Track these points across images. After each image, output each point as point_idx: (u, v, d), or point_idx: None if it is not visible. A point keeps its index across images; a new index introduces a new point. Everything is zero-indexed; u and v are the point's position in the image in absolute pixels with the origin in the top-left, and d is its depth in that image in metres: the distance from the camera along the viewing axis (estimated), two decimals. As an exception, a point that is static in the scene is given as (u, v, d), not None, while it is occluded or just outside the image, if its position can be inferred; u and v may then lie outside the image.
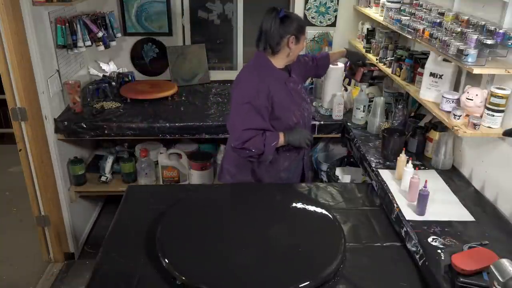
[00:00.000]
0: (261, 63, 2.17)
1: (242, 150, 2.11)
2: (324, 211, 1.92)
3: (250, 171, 2.29)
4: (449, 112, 2.02)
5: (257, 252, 1.67)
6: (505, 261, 1.29)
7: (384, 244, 1.81)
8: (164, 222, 1.80)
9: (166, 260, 1.58)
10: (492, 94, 1.85)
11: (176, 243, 1.69)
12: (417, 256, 1.67)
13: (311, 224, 1.88)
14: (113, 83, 3.27)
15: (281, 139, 2.16)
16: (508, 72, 1.76)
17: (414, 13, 2.39)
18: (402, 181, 2.05)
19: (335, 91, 2.91)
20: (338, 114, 2.88)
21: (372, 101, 2.76)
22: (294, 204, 2.03)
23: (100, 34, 3.03)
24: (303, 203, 2.03)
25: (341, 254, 1.65)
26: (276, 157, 2.24)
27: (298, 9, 3.52)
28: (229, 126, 2.21)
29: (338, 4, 3.53)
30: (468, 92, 1.96)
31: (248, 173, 2.30)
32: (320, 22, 3.57)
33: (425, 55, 2.38)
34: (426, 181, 1.84)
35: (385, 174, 2.21)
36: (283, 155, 2.28)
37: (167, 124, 2.84)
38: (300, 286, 1.49)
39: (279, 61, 2.18)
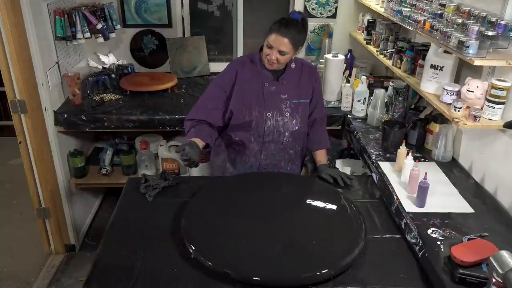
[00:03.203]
0: (251, 56, 2.21)
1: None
2: (345, 202, 1.96)
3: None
4: (450, 104, 2.02)
5: (277, 238, 1.72)
6: (504, 253, 1.30)
7: (384, 236, 1.82)
8: (188, 211, 1.84)
9: (192, 247, 1.63)
10: (493, 86, 1.84)
11: (199, 231, 1.73)
12: (417, 248, 1.68)
13: (332, 214, 1.91)
14: (113, 75, 3.26)
15: (189, 137, 2.13)
16: (509, 64, 1.76)
17: (415, 5, 2.37)
18: (402, 173, 2.05)
19: (335, 83, 2.91)
20: (346, 105, 2.90)
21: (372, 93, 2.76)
22: (313, 194, 2.05)
23: (99, 26, 3.02)
24: (323, 194, 2.06)
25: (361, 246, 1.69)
26: (226, 141, 2.30)
27: (299, 0, 3.50)
28: None
29: (338, -5, 3.51)
30: (468, 84, 1.95)
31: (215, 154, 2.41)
32: (321, 13, 3.55)
33: (426, 46, 2.37)
34: (426, 173, 1.84)
35: (385, 166, 2.21)
36: (233, 147, 2.29)
37: (167, 116, 2.84)
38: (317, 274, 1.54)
39: None
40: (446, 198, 1.93)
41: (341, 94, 2.91)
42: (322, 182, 2.21)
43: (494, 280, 1.31)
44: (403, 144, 2.15)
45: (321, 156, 2.33)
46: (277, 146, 2.25)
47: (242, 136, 2.23)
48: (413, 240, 1.71)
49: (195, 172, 3.07)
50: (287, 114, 2.20)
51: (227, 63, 2.28)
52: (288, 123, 2.21)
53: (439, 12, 2.12)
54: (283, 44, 2.02)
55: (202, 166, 3.04)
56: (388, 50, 2.77)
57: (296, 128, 2.23)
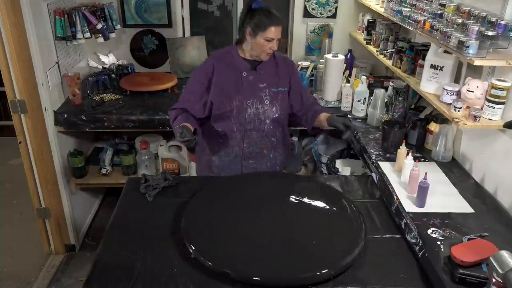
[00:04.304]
0: (228, 49, 2.27)
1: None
2: (345, 202, 1.96)
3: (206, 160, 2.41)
4: (450, 104, 2.01)
5: (276, 238, 1.72)
6: (504, 253, 1.29)
7: (384, 236, 1.82)
8: (188, 212, 1.85)
9: (192, 247, 1.63)
10: (493, 86, 1.84)
11: (199, 231, 1.74)
12: (417, 248, 1.68)
13: (332, 213, 1.91)
14: (113, 75, 3.26)
15: (176, 127, 2.16)
16: (509, 63, 1.76)
17: (415, 5, 2.37)
18: (402, 173, 2.05)
19: (335, 83, 2.91)
20: (346, 105, 2.90)
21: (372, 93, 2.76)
22: (313, 194, 2.05)
23: (99, 26, 3.02)
24: (323, 194, 2.06)
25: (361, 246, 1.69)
26: (208, 134, 2.33)
27: (299, 0, 3.50)
28: None
29: (338, -5, 3.51)
30: (468, 84, 1.95)
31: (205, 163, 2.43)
32: (321, 13, 3.55)
33: (426, 46, 2.37)
34: (426, 173, 1.84)
35: (385, 166, 2.21)
36: (216, 139, 2.31)
37: (167, 116, 2.82)
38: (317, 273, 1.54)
39: (244, 52, 2.22)
40: (446, 198, 1.93)
41: (341, 94, 2.91)
42: (322, 182, 2.21)
43: (494, 280, 1.31)
44: (403, 144, 2.15)
45: (324, 116, 2.31)
46: (259, 134, 2.30)
47: (224, 127, 2.26)
48: (413, 240, 1.71)
49: (195, 172, 3.07)
50: (266, 102, 2.25)
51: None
52: (268, 111, 2.26)
53: (439, 12, 2.12)
54: (280, 32, 2.14)
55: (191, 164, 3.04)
56: (388, 50, 2.77)
57: (276, 115, 2.28)
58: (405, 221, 1.80)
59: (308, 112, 2.38)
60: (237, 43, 2.25)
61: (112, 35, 3.20)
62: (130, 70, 3.41)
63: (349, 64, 3.27)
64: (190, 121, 2.18)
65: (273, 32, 2.09)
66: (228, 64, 2.22)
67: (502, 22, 1.74)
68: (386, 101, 2.70)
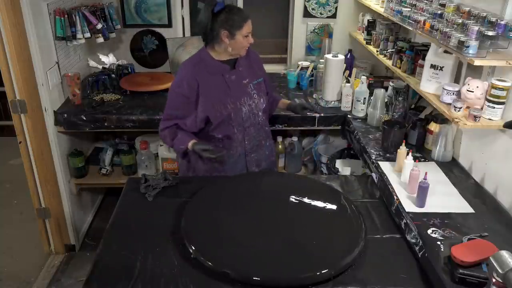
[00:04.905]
0: (199, 56, 2.23)
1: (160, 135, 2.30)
2: (345, 202, 1.96)
3: (183, 155, 2.35)
4: (450, 104, 2.02)
5: (275, 238, 1.73)
6: (504, 253, 1.30)
7: (384, 236, 1.82)
8: (188, 212, 1.85)
9: (192, 247, 1.64)
10: (493, 86, 1.84)
11: (199, 231, 1.74)
12: (417, 248, 1.68)
13: (332, 213, 1.91)
14: (113, 75, 3.26)
15: (189, 145, 2.18)
16: (509, 63, 1.76)
17: (415, 5, 2.37)
18: (402, 173, 2.05)
19: (335, 83, 2.91)
20: (346, 105, 2.90)
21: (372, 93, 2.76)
22: (313, 194, 2.04)
23: (99, 26, 3.02)
24: (323, 194, 2.06)
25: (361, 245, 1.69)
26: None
27: (299, 0, 3.50)
28: None
29: (338, -5, 3.51)
30: (468, 84, 1.95)
31: (185, 164, 2.39)
32: (321, 13, 3.55)
33: (426, 46, 2.37)
34: (426, 173, 1.84)
35: (385, 166, 2.21)
36: (217, 147, 2.25)
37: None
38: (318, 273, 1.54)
39: (219, 54, 2.20)
40: (446, 198, 1.93)
41: (341, 94, 2.91)
42: (322, 182, 2.21)
43: (494, 280, 1.32)
44: (403, 144, 2.15)
45: (283, 103, 2.58)
46: (256, 128, 2.33)
47: (225, 132, 2.26)
48: (413, 240, 1.71)
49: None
50: (255, 95, 2.28)
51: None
52: (258, 104, 2.30)
53: (439, 12, 2.12)
54: (251, 25, 2.15)
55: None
56: (388, 50, 2.77)
57: (264, 105, 2.34)
58: (405, 221, 1.80)
59: (269, 98, 2.49)
60: (206, 47, 2.22)
61: (112, 35, 3.20)
62: (130, 70, 3.41)
63: (349, 64, 3.27)
64: (191, 137, 2.20)
65: (248, 26, 2.12)
66: (207, 71, 2.19)
67: (502, 22, 1.74)
68: (386, 101, 2.70)
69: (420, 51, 2.39)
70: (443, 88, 2.07)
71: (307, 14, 3.54)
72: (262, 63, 2.44)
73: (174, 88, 2.22)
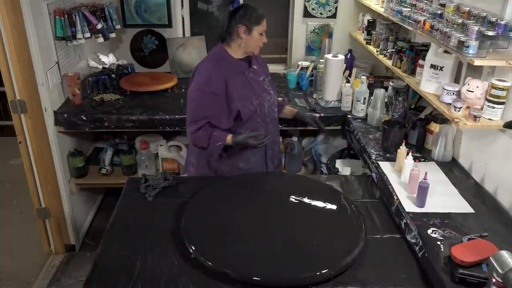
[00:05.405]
0: (218, 54, 2.22)
1: (192, 139, 2.22)
2: (345, 202, 1.96)
3: (206, 163, 2.34)
4: (450, 104, 2.01)
5: (275, 239, 1.72)
6: (504, 253, 1.30)
7: (384, 236, 1.82)
8: (188, 212, 1.85)
9: (192, 247, 1.64)
10: (493, 86, 1.84)
11: (199, 231, 1.74)
12: (417, 248, 1.68)
13: (332, 214, 1.91)
14: (113, 75, 3.26)
15: (228, 139, 2.18)
16: (509, 63, 1.76)
17: (415, 5, 2.37)
18: (402, 173, 2.05)
19: (335, 83, 2.91)
20: (346, 105, 2.90)
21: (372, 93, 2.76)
22: (313, 194, 2.04)
23: (99, 26, 3.02)
24: (323, 194, 2.06)
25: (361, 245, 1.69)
26: (232, 148, 2.27)
27: (299, 0, 3.50)
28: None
29: (338, -5, 3.51)
30: (468, 84, 1.95)
31: (205, 165, 2.35)
32: (321, 13, 3.55)
33: (426, 46, 2.37)
34: (426, 173, 1.84)
35: (385, 166, 2.21)
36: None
37: (167, 116, 2.84)
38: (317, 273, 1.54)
39: (236, 52, 2.21)
40: (446, 198, 1.93)
41: (341, 94, 2.91)
42: (322, 182, 2.21)
43: (494, 280, 1.32)
44: (403, 144, 2.15)
45: (290, 110, 2.60)
46: (273, 123, 2.39)
47: (252, 128, 2.26)
48: (413, 240, 1.71)
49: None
50: (271, 91, 2.34)
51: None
52: (274, 100, 2.37)
53: (439, 12, 2.12)
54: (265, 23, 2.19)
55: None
56: (388, 50, 2.77)
57: (277, 101, 2.42)
58: (405, 221, 1.80)
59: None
60: (222, 41, 2.22)
61: (112, 35, 3.20)
62: (130, 70, 3.41)
63: (349, 64, 3.27)
64: (227, 132, 2.19)
65: (264, 24, 2.16)
66: (231, 69, 2.19)
67: (502, 22, 1.74)
68: (386, 101, 2.70)
69: (420, 51, 2.39)
70: (443, 88, 2.07)
71: (307, 14, 3.54)
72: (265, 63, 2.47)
73: (203, 88, 2.14)
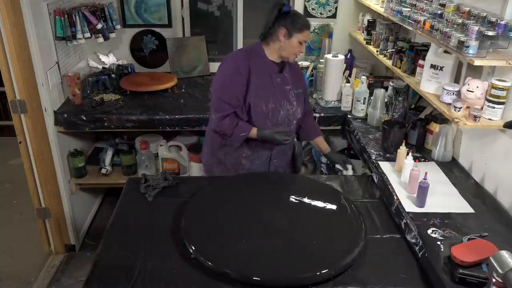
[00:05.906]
0: (254, 48, 2.23)
1: (217, 125, 2.22)
2: (345, 202, 1.96)
3: (212, 151, 2.36)
4: (450, 104, 2.01)
5: (275, 239, 1.72)
6: (504, 253, 1.30)
7: (384, 236, 1.82)
8: (188, 212, 1.85)
9: (192, 247, 1.64)
10: (493, 86, 1.84)
11: (199, 231, 1.74)
12: (417, 248, 1.68)
13: (332, 214, 1.91)
14: (113, 75, 3.26)
15: (253, 132, 2.19)
16: (509, 64, 1.76)
17: (415, 5, 2.37)
18: (402, 173, 2.05)
19: (335, 83, 2.91)
20: (346, 105, 2.90)
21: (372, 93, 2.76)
22: (313, 194, 2.04)
23: (99, 26, 3.02)
24: (323, 194, 2.06)
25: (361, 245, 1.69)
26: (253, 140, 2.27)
27: (299, 0, 3.50)
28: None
29: (338, -5, 3.51)
30: (468, 84, 1.95)
31: (214, 153, 2.36)
32: (321, 13, 3.55)
33: (426, 46, 2.37)
34: (426, 173, 1.84)
35: (385, 166, 2.21)
36: (249, 143, 2.28)
37: (167, 116, 2.84)
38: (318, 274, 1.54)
39: (271, 53, 2.21)
40: (446, 198, 1.93)
41: (341, 94, 2.91)
42: (322, 182, 2.22)
43: (494, 280, 1.32)
44: (403, 144, 2.15)
45: (323, 144, 2.54)
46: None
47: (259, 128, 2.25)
48: (413, 240, 1.71)
49: (195, 172, 3.07)
50: (294, 103, 2.29)
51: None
52: (295, 112, 2.31)
53: (439, 12, 2.12)
54: (309, 35, 2.21)
55: (202, 166, 3.03)
56: (388, 50, 2.77)
57: (299, 116, 2.35)
58: (405, 221, 1.80)
59: (305, 120, 2.46)
60: (262, 38, 2.21)
61: (112, 35, 3.20)
62: (130, 70, 3.41)
63: (349, 64, 3.27)
64: (251, 125, 2.20)
65: (307, 34, 2.15)
66: (259, 65, 2.19)
67: (502, 22, 1.74)
68: (386, 101, 2.70)
69: (420, 51, 2.39)
70: (443, 88, 2.07)
71: (307, 14, 3.53)
72: (304, 79, 2.44)
73: (232, 77, 2.16)
